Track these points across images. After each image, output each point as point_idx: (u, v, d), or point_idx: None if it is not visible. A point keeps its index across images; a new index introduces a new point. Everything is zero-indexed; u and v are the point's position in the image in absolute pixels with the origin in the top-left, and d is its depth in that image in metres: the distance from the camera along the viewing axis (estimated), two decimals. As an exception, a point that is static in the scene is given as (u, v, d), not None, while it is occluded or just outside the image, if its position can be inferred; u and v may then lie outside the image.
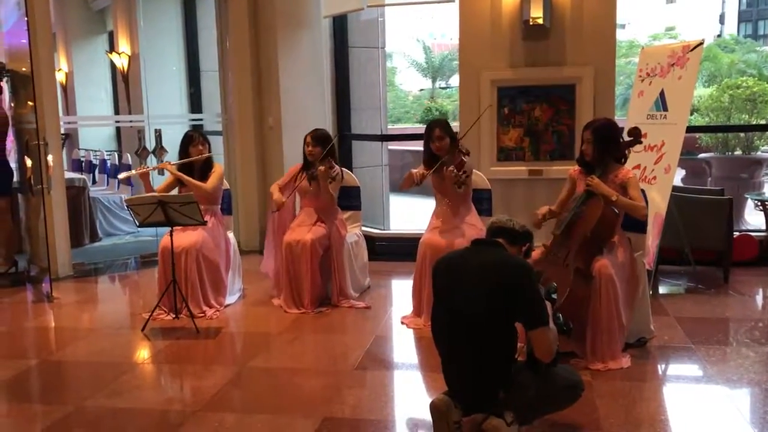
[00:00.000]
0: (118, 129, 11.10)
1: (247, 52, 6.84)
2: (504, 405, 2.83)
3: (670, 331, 4.35)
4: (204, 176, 5.09)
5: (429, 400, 3.56)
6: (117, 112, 11.12)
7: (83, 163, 9.79)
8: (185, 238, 4.88)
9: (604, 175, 3.88)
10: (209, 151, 5.10)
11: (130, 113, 9.73)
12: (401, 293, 5.39)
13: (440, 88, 25.28)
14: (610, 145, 3.89)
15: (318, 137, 5.08)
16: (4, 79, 6.21)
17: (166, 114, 8.49)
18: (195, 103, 9.91)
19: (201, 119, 9.39)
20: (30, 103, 5.52)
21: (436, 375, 3.82)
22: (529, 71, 5.64)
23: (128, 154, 8.41)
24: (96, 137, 11.18)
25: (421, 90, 26.65)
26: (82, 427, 3.32)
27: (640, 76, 5.48)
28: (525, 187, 5.74)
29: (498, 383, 2.86)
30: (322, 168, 4.91)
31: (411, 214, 9.02)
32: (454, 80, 24.44)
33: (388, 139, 7.59)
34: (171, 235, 4.67)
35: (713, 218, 5.41)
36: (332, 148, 5.14)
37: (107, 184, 8.79)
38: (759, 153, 7.87)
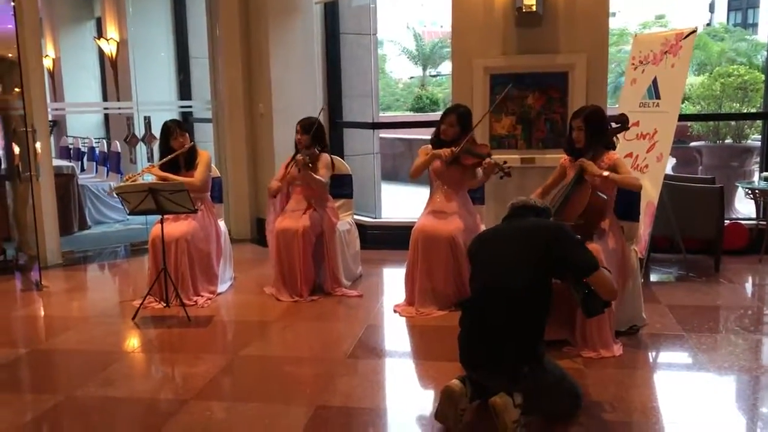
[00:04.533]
0: (106, 116, 11.01)
1: (238, 39, 6.78)
2: (521, 382, 2.84)
3: (662, 319, 4.37)
4: (190, 165, 5.03)
5: (421, 389, 3.60)
6: (105, 98, 11.02)
7: (71, 151, 9.69)
8: (175, 228, 4.85)
9: (594, 160, 3.91)
10: (191, 139, 5.02)
11: (118, 100, 9.65)
12: (393, 282, 5.38)
13: (431, 75, 25.20)
14: (600, 131, 3.92)
15: (305, 125, 5.06)
16: None
17: (155, 101, 8.43)
18: (184, 90, 9.83)
19: (190, 106, 9.33)
20: (17, 89, 5.45)
21: (429, 363, 3.84)
22: (521, 58, 5.60)
23: (117, 142, 8.34)
24: (84, 124, 11.07)
25: (411, 78, 26.54)
26: (72, 416, 3.29)
27: (633, 64, 5.46)
28: (517, 175, 5.65)
29: (525, 357, 2.87)
30: (300, 158, 4.88)
31: (402, 203, 9.00)
32: (444, 68, 24.35)
33: (379, 126, 7.55)
34: (162, 223, 4.63)
35: (704, 207, 5.42)
36: (321, 135, 5.11)
37: (96, 172, 8.70)
38: (749, 141, 7.90)
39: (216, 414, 3.25)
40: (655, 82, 5.17)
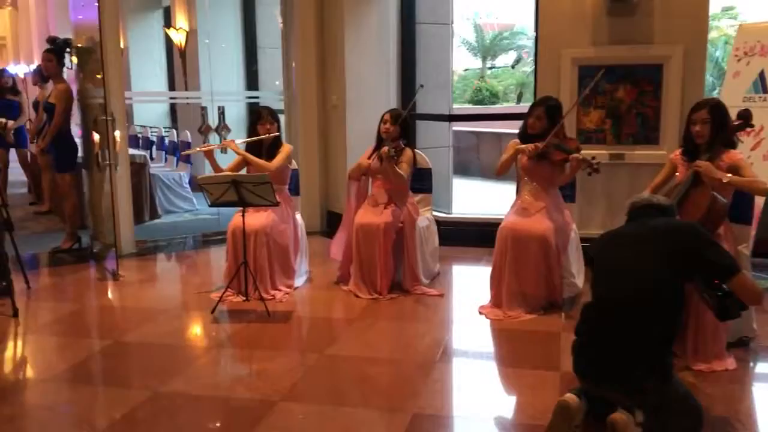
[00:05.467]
0: (172, 105, 11.07)
1: (312, 28, 6.64)
2: (645, 398, 2.62)
3: (774, 330, 4.06)
4: (272, 155, 4.93)
5: (521, 398, 3.36)
6: (171, 88, 11.08)
7: (140, 140, 9.74)
8: (255, 219, 4.74)
9: (712, 160, 3.62)
10: (278, 129, 4.94)
11: (186, 89, 9.66)
12: (472, 281, 5.19)
13: (488, 68, 24.75)
14: (724, 126, 3.62)
15: (396, 115, 4.89)
16: (68, 56, 6.14)
17: (223, 91, 8.38)
18: (251, 80, 9.79)
19: (257, 97, 9.28)
20: (98, 76, 5.42)
21: (525, 371, 3.63)
22: (613, 49, 5.32)
23: (187, 131, 8.33)
24: (150, 113, 11.17)
25: (466, 70, 26.11)
26: (163, 414, 3.19)
27: (736, 56, 5.13)
28: (605, 171, 5.35)
29: (653, 370, 2.65)
30: (385, 149, 4.71)
31: (472, 198, 8.80)
32: (501, 60, 23.86)
33: (456, 119, 7.33)
34: (243, 216, 4.53)
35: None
36: (407, 128, 4.95)
37: (165, 161, 8.72)
38: None
39: (309, 418, 3.11)
40: (762, 74, 4.83)
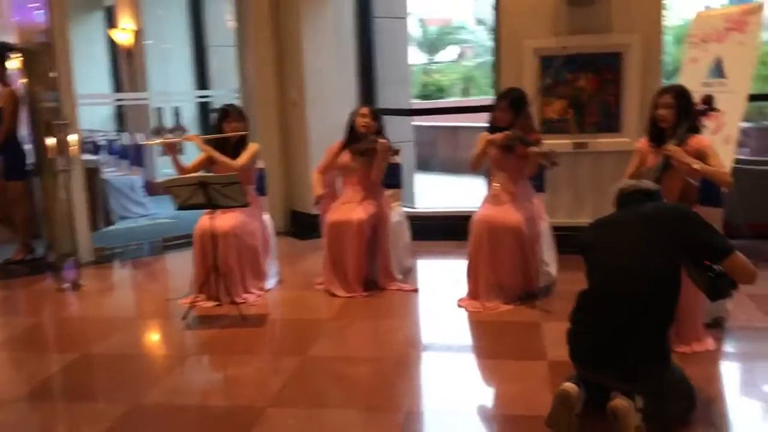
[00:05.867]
0: (119, 108, 10.73)
1: (267, 23, 6.49)
2: (645, 383, 2.63)
3: (746, 310, 4.12)
4: (237, 155, 4.79)
5: (513, 390, 3.33)
6: (117, 90, 10.73)
7: (88, 144, 9.37)
8: (222, 221, 4.60)
9: (680, 145, 3.66)
10: (246, 129, 4.80)
11: (133, 91, 9.38)
12: (445, 274, 5.16)
13: (432, 62, 24.81)
14: (688, 112, 3.67)
15: (377, 110, 4.83)
16: (8, 60, 5.86)
17: (173, 91, 8.16)
18: (202, 80, 9.55)
19: (209, 96, 9.07)
20: (50, 76, 5.18)
21: (507, 362, 3.61)
22: (573, 39, 5.36)
23: (138, 134, 8.06)
24: (95, 116, 10.78)
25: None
26: (144, 428, 3.06)
27: (693, 42, 5.23)
28: (569, 160, 5.47)
29: (652, 355, 2.66)
30: (386, 144, 4.64)
31: (431, 192, 8.79)
32: (443, 55, 23.97)
33: (418, 113, 7.29)
34: (211, 218, 4.40)
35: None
36: (382, 122, 4.90)
37: (116, 166, 8.42)
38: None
39: (299, 423, 3.02)
40: (718, 60, 4.94)
